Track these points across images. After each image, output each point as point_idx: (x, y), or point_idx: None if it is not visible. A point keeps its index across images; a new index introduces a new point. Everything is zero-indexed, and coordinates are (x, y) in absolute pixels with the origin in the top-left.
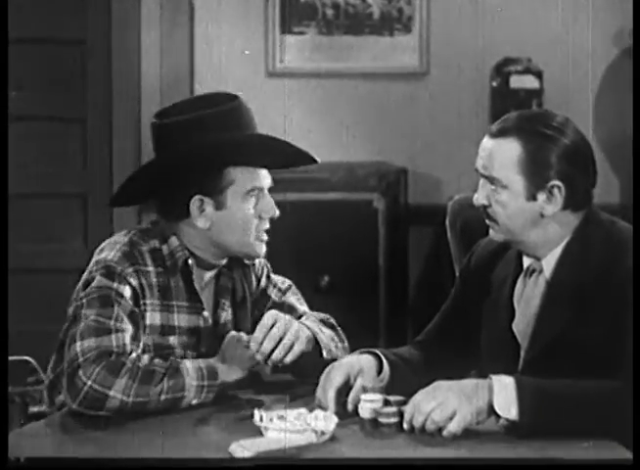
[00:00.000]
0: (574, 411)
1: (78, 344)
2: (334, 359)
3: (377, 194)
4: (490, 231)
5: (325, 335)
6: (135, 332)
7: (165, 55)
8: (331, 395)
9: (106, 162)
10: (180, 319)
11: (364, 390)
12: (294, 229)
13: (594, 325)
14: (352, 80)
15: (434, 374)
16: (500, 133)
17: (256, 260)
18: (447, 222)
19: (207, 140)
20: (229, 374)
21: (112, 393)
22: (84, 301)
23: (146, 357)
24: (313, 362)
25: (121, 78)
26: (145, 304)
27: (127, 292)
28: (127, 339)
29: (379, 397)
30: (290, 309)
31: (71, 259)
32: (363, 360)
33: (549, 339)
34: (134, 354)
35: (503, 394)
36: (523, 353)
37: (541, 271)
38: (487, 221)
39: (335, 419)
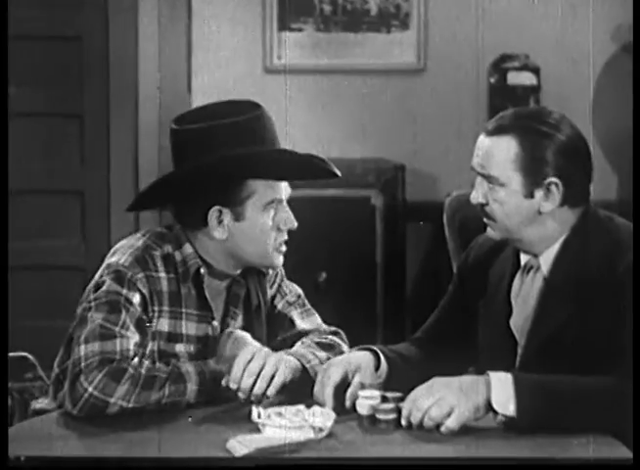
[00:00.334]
0: (572, 407)
1: (82, 347)
2: None
3: (374, 190)
4: (488, 229)
5: (318, 359)
6: (141, 339)
7: (163, 51)
8: (329, 391)
9: (103, 158)
10: (188, 327)
11: (362, 386)
12: None
13: (592, 321)
14: (350, 77)
15: (431, 371)
16: (496, 131)
17: None
18: (445, 219)
19: (230, 154)
20: None
21: (112, 400)
22: (93, 304)
23: (148, 363)
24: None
25: (119, 75)
26: (154, 310)
27: (136, 298)
28: (131, 346)
29: (376, 393)
30: (289, 326)
31: (69, 256)
32: (361, 357)
33: (546, 335)
34: (136, 360)
35: (501, 390)
36: (520, 350)
37: (539, 268)
38: (485, 219)
39: (332, 416)
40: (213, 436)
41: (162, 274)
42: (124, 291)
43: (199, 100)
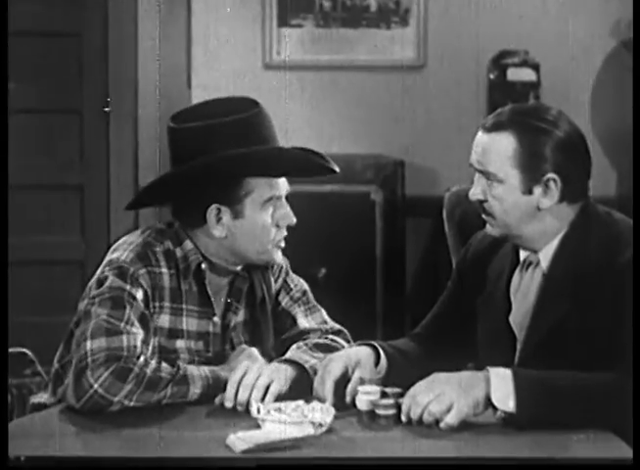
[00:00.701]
0: (571, 403)
1: (88, 343)
2: None
3: (374, 186)
4: (487, 226)
5: (316, 359)
6: (145, 335)
7: (162, 47)
8: (329, 387)
9: (102, 154)
10: (189, 323)
11: (362, 382)
12: None
13: (591, 317)
14: (349, 73)
15: (431, 366)
16: (494, 128)
17: None
18: (444, 214)
19: (228, 152)
20: None
21: (116, 399)
22: (97, 299)
23: (153, 362)
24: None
25: (118, 70)
26: (155, 306)
27: (139, 294)
28: (138, 342)
29: (376, 389)
30: (291, 325)
31: (68, 251)
32: (361, 352)
33: (546, 331)
34: (142, 359)
35: (500, 386)
36: (519, 346)
37: (538, 264)
38: (484, 216)
39: (332, 411)
40: (213, 431)
41: (164, 270)
42: (128, 287)
43: (198, 96)
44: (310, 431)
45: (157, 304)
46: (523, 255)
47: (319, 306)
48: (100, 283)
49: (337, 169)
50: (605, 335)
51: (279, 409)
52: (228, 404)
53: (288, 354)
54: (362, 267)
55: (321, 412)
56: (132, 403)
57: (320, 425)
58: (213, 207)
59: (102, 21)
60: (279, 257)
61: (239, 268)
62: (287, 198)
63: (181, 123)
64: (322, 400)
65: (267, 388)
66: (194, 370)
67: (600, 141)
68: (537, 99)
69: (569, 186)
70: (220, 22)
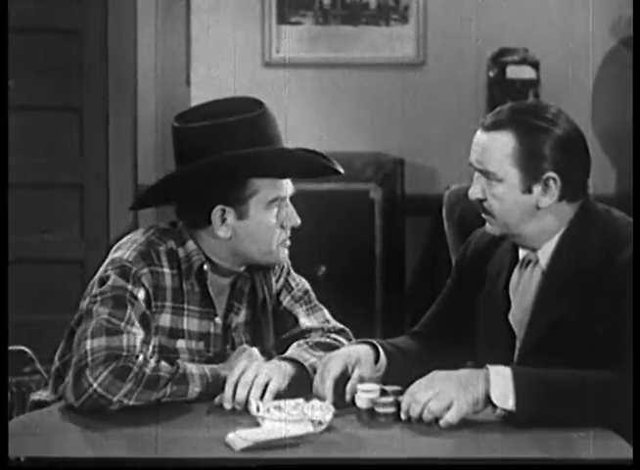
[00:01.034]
0: (571, 401)
1: (88, 342)
2: None
3: (373, 184)
4: (486, 225)
5: (316, 357)
6: (146, 335)
7: (162, 44)
8: (328, 385)
9: (102, 151)
10: (190, 323)
11: (361, 380)
12: None
13: (590, 315)
14: (349, 70)
15: (430, 364)
16: (493, 126)
17: None
18: (444, 212)
19: (233, 153)
20: None
21: (115, 398)
22: (98, 298)
23: (152, 361)
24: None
25: (118, 68)
26: (157, 305)
27: (141, 294)
28: (138, 342)
29: (376, 387)
30: (293, 324)
31: (67, 250)
32: (360, 350)
33: (545, 329)
34: (141, 358)
35: (500, 384)
36: (519, 344)
37: (537, 262)
38: (483, 215)
39: (332, 409)
40: (213, 430)
41: (167, 270)
42: (130, 286)
43: (197, 93)
44: (310, 429)
45: (158, 303)
46: (522, 253)
47: (321, 306)
48: (102, 282)
49: (341, 171)
50: (604, 333)
51: (278, 407)
52: (227, 406)
53: (288, 352)
54: (362, 265)
55: (321, 410)
56: (132, 402)
57: (320, 423)
58: (218, 207)
59: (101, 18)
60: (283, 258)
61: (241, 269)
62: (290, 198)
63: (185, 123)
64: (322, 399)
65: (266, 386)
66: (193, 369)
67: (599, 139)
68: (537, 97)
69: (568, 184)
70: (219, 19)
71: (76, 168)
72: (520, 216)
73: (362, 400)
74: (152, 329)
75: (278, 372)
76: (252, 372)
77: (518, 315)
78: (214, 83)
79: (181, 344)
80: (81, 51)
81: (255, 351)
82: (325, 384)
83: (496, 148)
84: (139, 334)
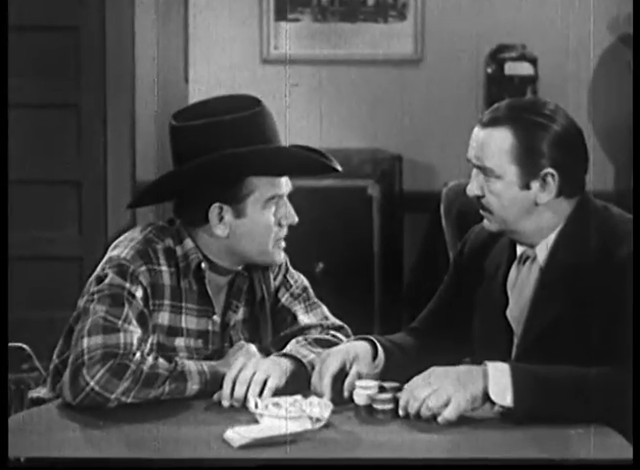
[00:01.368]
0: (569, 397)
1: (85, 340)
2: None
3: (371, 181)
4: (484, 221)
5: (314, 354)
6: (143, 333)
7: (160, 41)
8: (326, 381)
9: (100, 148)
10: (188, 321)
11: (359, 376)
12: None
13: (588, 311)
14: (347, 67)
15: (428, 361)
16: (491, 123)
17: None
18: (442, 209)
19: (230, 151)
20: None
21: (113, 396)
22: (95, 296)
23: (150, 358)
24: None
25: (115, 65)
26: (155, 303)
27: (139, 292)
28: (134, 340)
29: (374, 383)
30: (292, 321)
31: (65, 247)
32: (358, 347)
33: (543, 325)
34: (138, 355)
35: (498, 380)
36: (516, 340)
37: (535, 258)
38: (481, 212)
39: (330, 406)
40: (211, 427)
41: (164, 268)
42: (127, 284)
43: (196, 90)
44: (308, 426)
45: (156, 301)
46: (520, 249)
47: (320, 303)
48: (100, 280)
49: (339, 169)
50: (602, 329)
51: (277, 404)
52: (225, 403)
53: (286, 349)
54: (360, 262)
55: (319, 407)
56: (130, 400)
57: (318, 420)
58: (215, 205)
59: (99, 15)
60: (280, 257)
61: (239, 268)
62: (288, 195)
63: (183, 121)
64: (320, 395)
65: (265, 383)
66: (191, 366)
67: (597, 135)
68: (535, 93)
69: (566, 181)
70: (217, 16)
71: (74, 166)
72: (518, 213)
73: (360, 397)
74: (149, 327)
75: (276, 369)
76: (251, 369)
77: (515, 312)
78: (212, 80)
79: (179, 342)
80: (79, 48)
81: (253, 347)
82: (323, 380)
83: (494, 144)
84: (136, 332)
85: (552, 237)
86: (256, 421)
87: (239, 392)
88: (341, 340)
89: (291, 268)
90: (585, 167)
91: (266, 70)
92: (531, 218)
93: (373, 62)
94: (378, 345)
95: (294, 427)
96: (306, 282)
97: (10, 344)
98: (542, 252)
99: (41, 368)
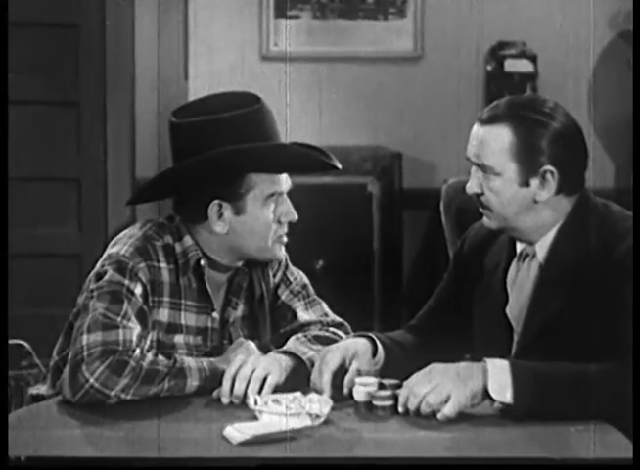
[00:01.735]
0: (569, 394)
1: (85, 337)
2: None
3: (371, 178)
4: (484, 218)
5: (314, 351)
6: (142, 330)
7: (160, 38)
8: (326, 378)
9: (99, 146)
10: (187, 318)
11: (359, 373)
12: None
13: (587, 308)
14: (347, 64)
15: (427, 358)
16: (490, 120)
17: None
18: (442, 206)
19: (230, 148)
20: None
21: (112, 393)
22: (95, 293)
23: (150, 355)
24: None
25: (115, 62)
26: (154, 300)
27: (138, 289)
28: (134, 336)
29: (373, 380)
30: (292, 318)
31: (65, 244)
32: (358, 344)
33: (543, 322)
34: (138, 352)
35: (498, 377)
36: (516, 337)
37: (534, 255)
38: (481, 209)
39: (330, 402)
40: (211, 423)
41: (163, 265)
42: (126, 281)
43: (195, 87)
44: (308, 422)
45: (155, 298)
46: (519, 246)
47: (319, 299)
48: (99, 277)
49: (339, 166)
50: (601, 326)
51: (276, 401)
52: (225, 400)
53: (286, 346)
54: (359, 259)
55: (318, 404)
56: (129, 397)
57: (317, 416)
58: (215, 202)
59: (99, 12)
60: (280, 253)
61: (239, 264)
62: (287, 192)
63: (183, 119)
64: (319, 392)
65: (264, 379)
66: (191, 363)
67: (597, 133)
68: (535, 90)
69: (565, 178)
70: (217, 13)
71: (74, 163)
72: (517, 210)
73: (360, 394)
74: (149, 324)
75: (276, 366)
76: (250, 366)
77: (515, 309)
78: (212, 77)
79: (179, 338)
80: (79, 45)
81: (253, 344)
82: (323, 377)
83: (493, 142)
84: (135, 328)
85: (552, 234)
86: (256, 418)
87: (238, 388)
88: (340, 337)
89: (290, 265)
90: (585, 165)
91: (266, 68)
92: (531, 216)
93: (373, 59)
94: (377, 342)
95: (293, 424)
96: (306, 279)
97: (10, 340)
98: (542, 249)
99: (41, 365)
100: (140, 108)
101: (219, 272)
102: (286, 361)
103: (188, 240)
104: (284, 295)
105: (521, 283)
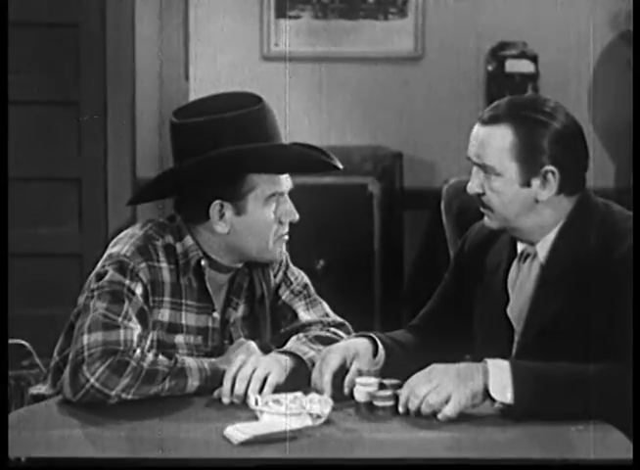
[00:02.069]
0: (569, 395)
1: (85, 337)
2: None
3: (372, 178)
4: (485, 218)
5: (315, 351)
6: (143, 330)
7: (160, 38)
8: (327, 378)
9: (100, 145)
10: (188, 318)
11: (360, 373)
12: None
13: (588, 308)
14: (347, 64)
15: (428, 358)
16: (491, 120)
17: None
18: (442, 206)
19: (231, 149)
20: None
21: (113, 393)
22: (95, 293)
23: (150, 355)
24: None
25: (116, 62)
26: (154, 300)
27: (139, 289)
28: (135, 336)
29: (374, 380)
30: (292, 318)
31: (66, 244)
32: (359, 344)
33: (543, 323)
34: (138, 352)
35: (498, 377)
36: (517, 338)
37: (535, 256)
38: (482, 209)
39: (330, 402)
40: (211, 423)
41: (164, 265)
42: (127, 281)
43: (196, 87)
44: (308, 422)
45: (156, 298)
46: (520, 247)
47: (320, 299)
48: (99, 277)
49: (340, 166)
50: (602, 326)
51: (277, 401)
52: (225, 400)
53: (286, 346)
54: (360, 259)
55: (319, 404)
56: (130, 397)
57: (318, 416)
58: (216, 202)
59: (100, 12)
60: (281, 253)
61: (239, 265)
62: (288, 192)
63: (184, 119)
64: (320, 392)
65: (265, 379)
66: (191, 363)
67: (598, 133)
68: (536, 91)
69: (566, 178)
70: (218, 13)
71: (75, 163)
72: (518, 210)
73: (361, 394)
74: (149, 324)
75: (277, 366)
76: (251, 366)
77: (516, 309)
78: (213, 77)
79: (179, 338)
80: (79, 45)
81: (253, 344)
82: (323, 377)
83: (494, 142)
84: (136, 328)
85: (552, 234)
86: (256, 418)
87: (239, 388)
88: (341, 337)
89: (291, 265)
90: (585, 165)
91: (266, 68)
92: (532, 216)
93: (373, 59)
94: (378, 342)
95: (294, 424)
96: (307, 279)
97: (10, 340)
98: (543, 249)
99: (41, 365)
100: (140, 108)
101: (220, 272)
102: (286, 361)
103: (189, 240)
104: (285, 295)
105: (521, 283)
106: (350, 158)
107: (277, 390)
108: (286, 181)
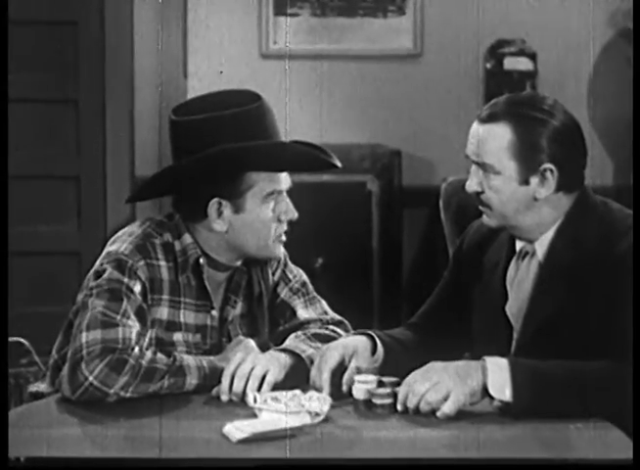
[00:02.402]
0: (568, 392)
1: (84, 335)
2: None
3: (371, 176)
4: (484, 216)
5: (313, 349)
6: (142, 328)
7: (159, 36)
8: (325, 376)
9: (99, 143)
10: (187, 316)
11: (358, 371)
12: None
13: (587, 306)
14: (346, 62)
15: (427, 356)
16: (490, 118)
17: None
18: (441, 204)
19: (230, 146)
20: None
21: (112, 391)
22: (94, 291)
23: (149, 353)
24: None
25: (114, 60)
26: (153, 298)
27: (137, 287)
28: (133, 335)
29: (373, 378)
30: (291, 316)
31: (64, 242)
32: (357, 342)
33: (542, 320)
34: (137, 350)
35: (497, 375)
36: (516, 335)
37: (534, 254)
38: (480, 207)
39: (329, 400)
40: (210, 421)
41: (162, 263)
42: (125, 279)
43: (195, 85)
44: (307, 420)
45: (155, 296)
46: (519, 245)
47: (319, 297)
48: (98, 275)
49: (339, 165)
50: (600, 324)
51: (276, 399)
52: (224, 398)
53: (285, 344)
54: (359, 257)
55: (318, 401)
56: (128, 395)
57: (317, 414)
58: (214, 200)
59: (98, 10)
60: (280, 251)
61: (238, 263)
62: (287, 190)
63: (182, 116)
64: (319, 390)
65: (263, 377)
66: (190, 360)
67: (597, 131)
68: (534, 88)
69: (565, 176)
70: (216, 11)
71: (73, 161)
72: (517, 208)
73: (359, 391)
74: (148, 322)
75: (275, 363)
76: (250, 364)
77: (515, 307)
78: (211, 75)
79: (178, 336)
80: (78, 43)
81: (252, 342)
82: (322, 375)
83: (493, 140)
84: (135, 326)
85: (551, 233)
86: (255, 415)
87: (237, 386)
88: (340, 334)
89: (290, 263)
90: (584, 163)
91: (265, 65)
92: (530, 214)
93: (372, 57)
94: (377, 339)
95: (292, 421)
96: (305, 277)
97: (9, 338)
98: (541, 247)
99: (40, 363)
100: (139, 105)
101: (218, 271)
102: (285, 359)
103: (187, 238)
104: (283, 293)
105: (520, 281)
106: (349, 156)
107: (276, 387)
108: (285, 179)
